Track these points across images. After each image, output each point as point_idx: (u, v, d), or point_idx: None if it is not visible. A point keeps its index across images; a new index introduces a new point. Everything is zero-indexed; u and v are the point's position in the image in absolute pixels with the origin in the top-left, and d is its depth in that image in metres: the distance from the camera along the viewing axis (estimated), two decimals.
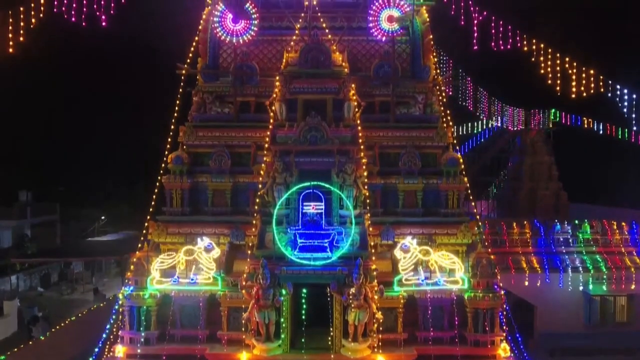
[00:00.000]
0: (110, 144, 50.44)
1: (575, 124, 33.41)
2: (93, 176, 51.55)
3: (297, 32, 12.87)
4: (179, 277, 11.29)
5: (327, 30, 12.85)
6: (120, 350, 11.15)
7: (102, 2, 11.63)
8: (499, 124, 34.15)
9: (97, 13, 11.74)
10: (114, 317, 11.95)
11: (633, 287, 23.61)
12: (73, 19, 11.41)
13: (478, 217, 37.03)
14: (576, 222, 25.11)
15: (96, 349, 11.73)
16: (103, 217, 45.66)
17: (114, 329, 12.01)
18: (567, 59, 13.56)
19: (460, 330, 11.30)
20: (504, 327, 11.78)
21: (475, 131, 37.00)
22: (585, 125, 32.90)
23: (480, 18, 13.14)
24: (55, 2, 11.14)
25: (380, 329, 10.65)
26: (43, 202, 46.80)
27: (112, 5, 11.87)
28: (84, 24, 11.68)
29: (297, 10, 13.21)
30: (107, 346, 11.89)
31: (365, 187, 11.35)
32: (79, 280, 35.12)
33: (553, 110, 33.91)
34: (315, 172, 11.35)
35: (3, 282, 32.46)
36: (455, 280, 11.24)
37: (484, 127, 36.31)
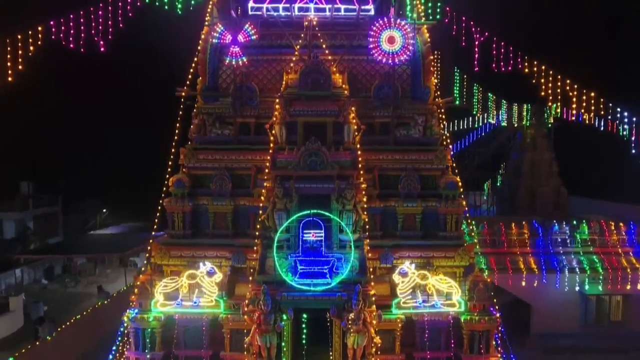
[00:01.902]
0: (109, 135, 50.43)
1: (577, 119, 33.26)
2: (93, 167, 51.73)
3: (296, 52, 12.78)
4: (182, 300, 11.56)
5: (327, 51, 12.76)
6: None
7: (100, 28, 11.56)
8: (500, 120, 33.98)
9: (96, 39, 11.68)
10: (119, 339, 12.27)
11: (629, 287, 24.00)
12: (71, 46, 11.36)
13: (476, 209, 37.01)
14: (574, 222, 25.32)
15: None
16: (105, 210, 45.98)
17: (120, 347, 12.35)
18: (567, 81, 13.53)
19: (456, 351, 11.63)
20: (499, 349, 12.11)
21: (476, 125, 36.85)
22: (587, 121, 32.76)
23: (482, 39, 13.06)
24: (53, 29, 11.07)
25: (379, 352, 10.95)
26: (44, 194, 47.02)
27: (111, 30, 11.82)
28: (82, 49, 11.62)
29: (296, 29, 13.10)
30: None
31: (365, 212, 11.48)
32: (82, 273, 35.69)
33: (554, 106, 33.68)
34: (315, 197, 11.46)
35: (8, 276, 32.97)
36: (452, 304, 11.50)
37: (485, 121, 36.14)
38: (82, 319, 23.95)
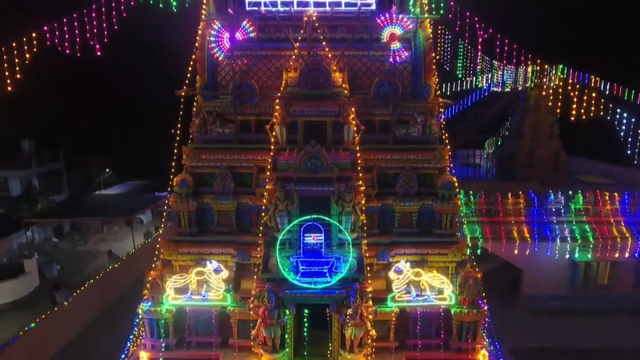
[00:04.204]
0: (109, 92, 49.64)
1: (582, 82, 32.63)
2: (93, 123, 51.43)
3: (296, 50, 12.52)
4: (192, 294, 12.35)
5: (327, 48, 12.48)
6: (144, 355, 12.56)
7: (95, 31, 11.25)
8: (504, 82, 33.28)
9: (91, 42, 11.41)
10: (135, 329, 13.20)
11: (617, 255, 25.05)
12: (67, 51, 11.14)
13: (476, 168, 37.23)
14: (570, 192, 25.84)
15: (122, 356, 13.11)
16: (108, 170, 46.37)
17: (136, 334, 13.33)
18: (570, 81, 13.27)
19: (445, 338, 12.58)
20: (485, 337, 13.06)
21: (478, 85, 36.22)
22: (592, 84, 32.16)
23: (486, 36, 12.71)
24: (48, 35, 10.79)
25: (374, 341, 11.86)
26: (46, 151, 47.21)
27: (106, 33, 11.51)
28: (78, 54, 11.40)
29: (296, 22, 12.75)
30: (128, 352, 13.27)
31: (363, 214, 11.90)
32: (91, 230, 37.00)
33: (561, 67, 32.90)
34: (315, 199, 11.83)
35: (19, 236, 34.26)
36: (444, 298, 12.28)
37: (488, 81, 35.46)
38: (94, 283, 25.36)
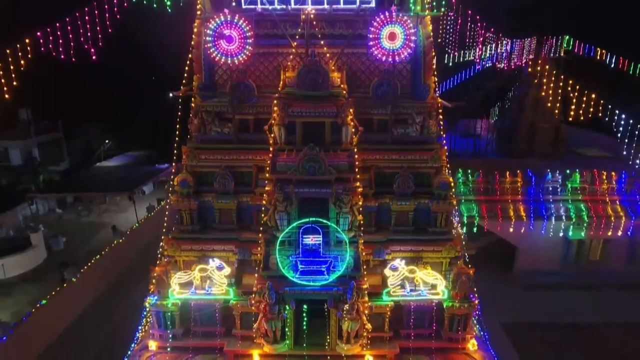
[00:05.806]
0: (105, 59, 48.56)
1: (588, 54, 31.90)
2: (91, 91, 50.69)
3: (294, 49, 12.31)
4: (196, 289, 12.88)
5: (325, 48, 12.25)
6: (152, 344, 13.27)
7: (89, 34, 10.99)
8: (509, 54, 32.50)
9: (86, 46, 11.18)
10: (143, 321, 13.85)
11: (610, 233, 25.61)
12: (62, 57, 10.95)
13: (476, 138, 37.09)
14: (567, 171, 26.04)
15: (132, 344, 13.82)
16: (107, 141, 46.27)
17: (144, 325, 14.01)
18: (570, 82, 13.09)
19: (437, 329, 13.24)
20: (475, 327, 13.71)
21: (482, 57, 35.45)
22: (598, 57, 31.47)
23: (487, 35, 12.40)
24: (41, 41, 10.56)
25: (370, 332, 12.51)
26: (43, 119, 46.85)
27: (100, 36, 11.25)
28: (73, 59, 11.21)
29: (294, 18, 12.46)
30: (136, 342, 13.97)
31: (360, 214, 12.19)
32: (94, 201, 37.55)
33: (567, 38, 32.08)
34: (313, 200, 12.09)
35: (23, 208, 34.83)
36: (437, 292, 12.80)
37: (491, 52, 34.67)
38: (100, 259, 26.16)
